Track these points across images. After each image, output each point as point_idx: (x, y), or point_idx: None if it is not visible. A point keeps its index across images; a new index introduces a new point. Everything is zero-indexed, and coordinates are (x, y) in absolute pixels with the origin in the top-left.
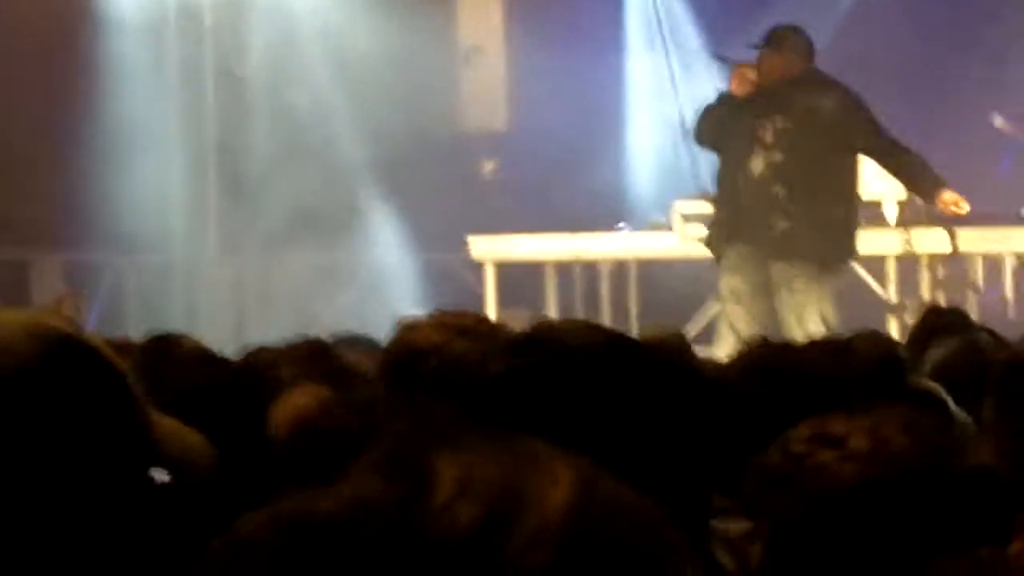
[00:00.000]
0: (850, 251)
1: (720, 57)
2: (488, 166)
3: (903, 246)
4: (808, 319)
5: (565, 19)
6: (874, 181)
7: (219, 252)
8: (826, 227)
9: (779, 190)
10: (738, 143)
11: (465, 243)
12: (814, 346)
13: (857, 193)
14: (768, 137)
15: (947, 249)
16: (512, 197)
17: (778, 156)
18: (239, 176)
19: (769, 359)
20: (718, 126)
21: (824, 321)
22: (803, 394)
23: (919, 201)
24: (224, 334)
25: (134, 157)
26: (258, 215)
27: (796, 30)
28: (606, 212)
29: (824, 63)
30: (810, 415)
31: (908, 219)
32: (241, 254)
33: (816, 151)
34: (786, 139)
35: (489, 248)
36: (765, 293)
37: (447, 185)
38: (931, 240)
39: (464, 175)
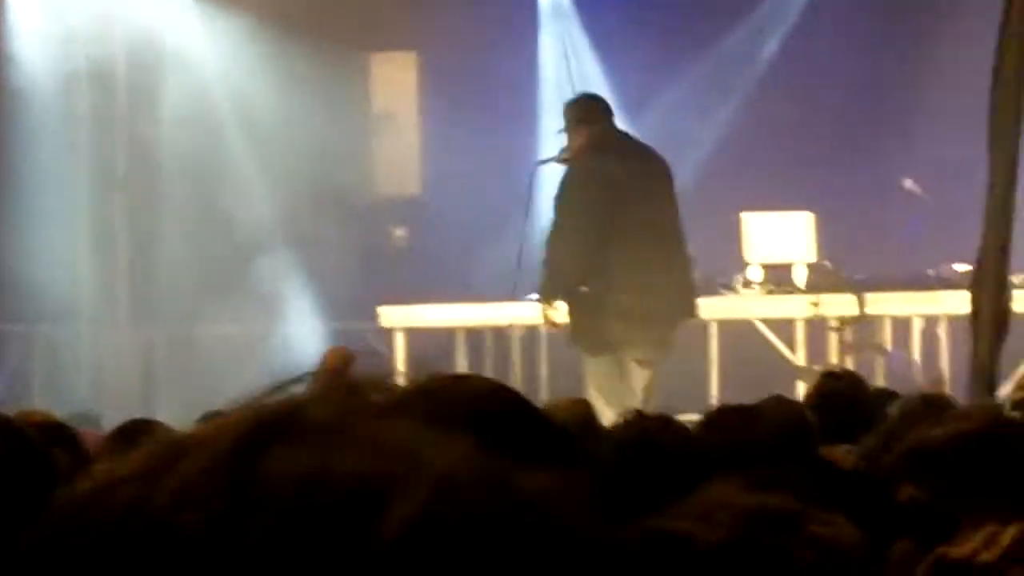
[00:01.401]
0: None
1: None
2: (399, 233)
3: (811, 310)
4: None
5: (478, 86)
6: (782, 245)
7: (128, 322)
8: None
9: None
10: None
11: (376, 310)
12: (722, 414)
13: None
14: None
15: (854, 312)
16: (424, 264)
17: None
18: (149, 244)
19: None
20: None
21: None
22: (712, 463)
23: (828, 264)
24: (132, 404)
25: (42, 224)
26: (168, 284)
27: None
28: (519, 281)
29: (737, 127)
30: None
31: (816, 283)
32: (150, 324)
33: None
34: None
35: (399, 317)
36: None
37: (359, 252)
38: (839, 303)
39: (376, 242)
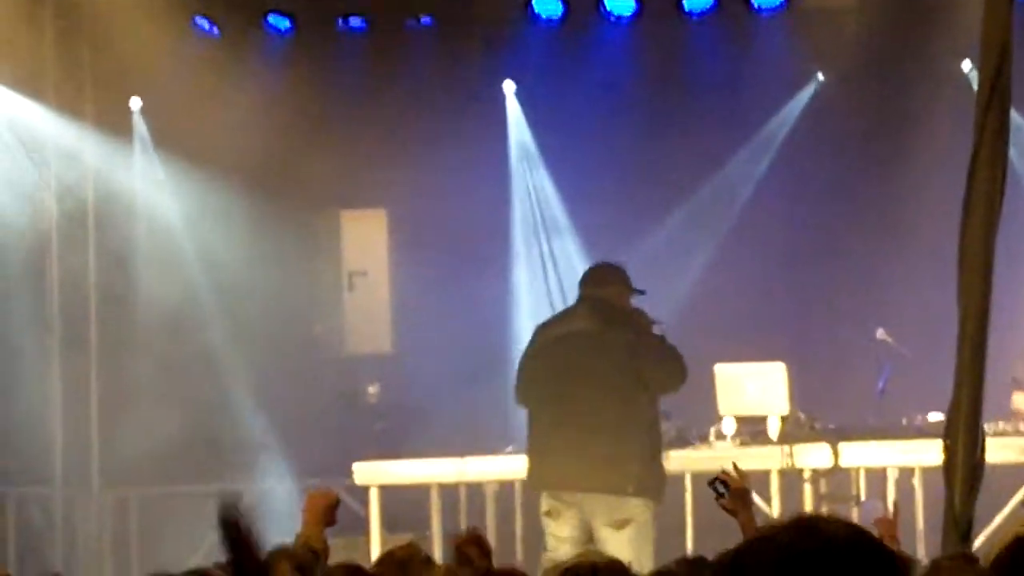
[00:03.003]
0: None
1: None
2: (371, 389)
3: (784, 461)
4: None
5: (448, 238)
6: (756, 397)
7: (102, 484)
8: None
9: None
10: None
11: (349, 467)
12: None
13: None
14: None
15: (828, 463)
16: (397, 420)
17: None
18: (121, 403)
19: None
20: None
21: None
22: None
23: (801, 415)
24: (105, 566)
25: (14, 385)
26: (141, 443)
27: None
28: (492, 434)
29: (711, 277)
30: None
31: (790, 434)
32: (124, 483)
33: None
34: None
35: (373, 473)
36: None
37: (332, 409)
38: (813, 454)
39: (349, 399)
